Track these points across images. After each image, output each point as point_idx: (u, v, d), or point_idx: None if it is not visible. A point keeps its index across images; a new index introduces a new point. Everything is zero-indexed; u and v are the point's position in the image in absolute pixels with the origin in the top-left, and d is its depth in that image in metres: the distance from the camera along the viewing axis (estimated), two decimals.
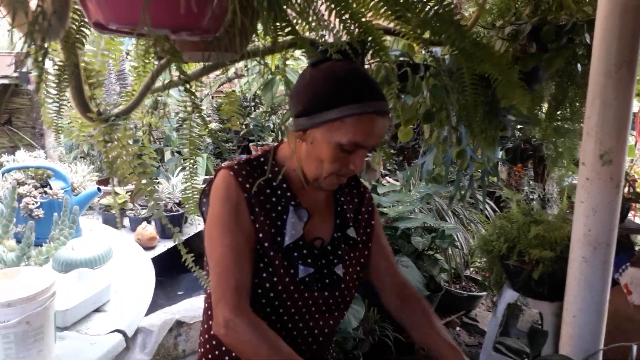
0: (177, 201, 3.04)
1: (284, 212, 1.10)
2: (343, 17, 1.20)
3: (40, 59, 0.67)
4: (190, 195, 1.55)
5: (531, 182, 3.56)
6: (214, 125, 4.43)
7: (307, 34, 1.30)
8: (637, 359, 1.41)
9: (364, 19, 1.25)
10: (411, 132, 1.72)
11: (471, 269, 3.80)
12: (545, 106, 2.06)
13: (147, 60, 1.50)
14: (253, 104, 4.60)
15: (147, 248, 2.69)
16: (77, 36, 0.89)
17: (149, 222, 2.87)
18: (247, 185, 1.07)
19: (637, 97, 2.20)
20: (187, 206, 1.58)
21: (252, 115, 4.49)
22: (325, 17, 1.10)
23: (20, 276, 1.46)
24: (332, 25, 1.12)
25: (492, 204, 3.82)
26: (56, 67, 0.85)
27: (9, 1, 0.67)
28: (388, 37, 1.61)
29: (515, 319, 2.53)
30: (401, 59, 1.57)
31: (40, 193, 2.34)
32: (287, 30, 0.99)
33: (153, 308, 1.99)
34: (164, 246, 2.81)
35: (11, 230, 1.89)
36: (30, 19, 0.64)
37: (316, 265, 1.10)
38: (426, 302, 1.26)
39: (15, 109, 4.10)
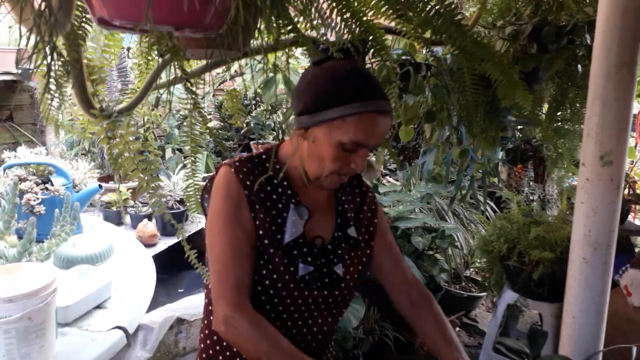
0: (178, 199, 3.04)
1: (285, 210, 1.10)
2: (344, 16, 1.20)
3: (48, 53, 0.68)
4: (191, 193, 1.55)
5: (531, 183, 3.56)
6: (214, 124, 4.43)
7: (308, 32, 1.30)
8: None
9: (365, 18, 1.25)
10: (412, 131, 1.73)
11: (471, 270, 3.81)
12: (545, 107, 2.06)
13: (149, 57, 1.51)
14: (254, 102, 4.60)
15: (148, 245, 2.70)
16: (79, 32, 0.90)
17: (150, 220, 2.87)
18: (248, 183, 1.08)
19: (637, 98, 2.21)
20: (188, 204, 1.59)
21: (253, 114, 4.50)
22: (327, 15, 1.11)
23: (22, 272, 1.46)
24: (334, 23, 1.13)
25: (492, 204, 3.83)
26: (60, 62, 0.86)
27: None
28: (389, 36, 1.62)
29: (515, 320, 2.53)
30: (404, 57, 1.57)
31: (41, 189, 2.34)
32: (289, 28, 1.00)
33: (154, 305, 2.00)
34: (164, 243, 2.81)
35: (13, 226, 1.89)
36: (37, 14, 0.65)
37: (316, 263, 1.11)
38: (437, 304, 1.24)
39: (16, 105, 4.10)
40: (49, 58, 0.74)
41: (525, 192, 3.59)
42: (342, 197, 1.21)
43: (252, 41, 1.18)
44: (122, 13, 0.69)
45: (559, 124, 2.08)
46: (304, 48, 1.21)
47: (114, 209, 3.01)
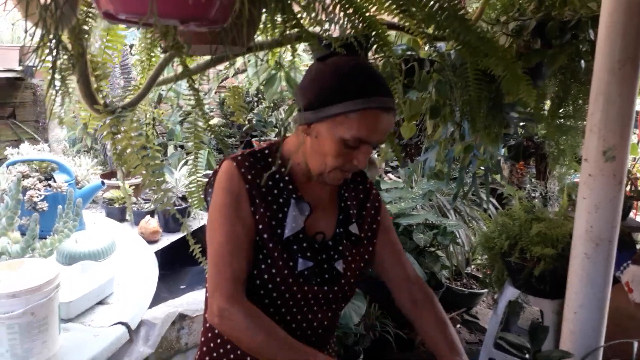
0: (180, 195, 3.04)
1: (286, 205, 1.10)
2: (347, 11, 1.20)
3: (53, 47, 0.68)
4: (194, 189, 1.56)
5: (533, 180, 3.56)
6: (216, 121, 4.43)
7: (312, 28, 1.30)
8: (638, 356, 1.41)
9: (368, 14, 1.25)
10: (414, 128, 1.73)
11: (472, 267, 3.81)
12: (547, 103, 2.06)
13: (152, 54, 1.51)
14: (256, 99, 4.60)
15: (151, 242, 2.70)
16: (84, 26, 0.90)
17: (152, 216, 2.88)
18: (249, 177, 1.08)
19: None
20: (190, 200, 1.60)
21: (255, 111, 4.50)
22: (330, 10, 1.11)
23: (25, 267, 1.47)
24: (337, 17, 1.13)
25: (494, 201, 3.83)
26: (65, 57, 0.86)
27: None
28: (392, 32, 1.62)
29: (516, 317, 2.54)
30: (409, 53, 1.57)
31: (44, 186, 2.34)
32: (293, 22, 1.00)
33: (156, 301, 2.00)
34: (167, 240, 2.81)
35: (16, 222, 1.90)
36: (42, 8, 0.65)
37: (316, 259, 1.11)
38: (439, 304, 1.24)
39: (19, 102, 4.11)
40: (54, 52, 0.74)
41: (527, 188, 3.60)
42: (345, 194, 1.21)
43: (255, 37, 1.18)
44: (128, 7, 0.69)
45: (561, 120, 2.08)
46: (307, 44, 1.21)
47: (117, 205, 3.02)
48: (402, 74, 1.50)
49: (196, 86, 1.02)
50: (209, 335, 1.19)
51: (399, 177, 3.92)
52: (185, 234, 1.57)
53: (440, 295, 3.14)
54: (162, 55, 1.46)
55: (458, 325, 3.33)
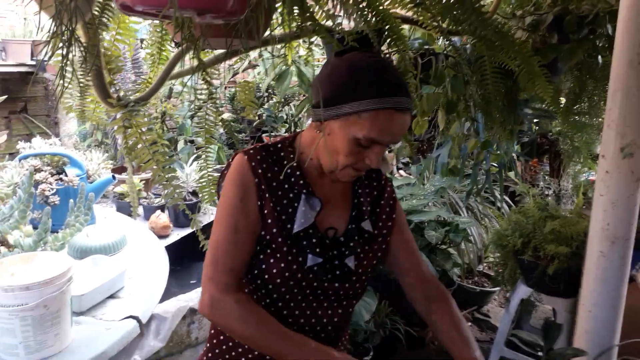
0: (190, 190, 3.04)
1: (296, 200, 1.10)
2: (360, 5, 1.19)
3: (67, 39, 0.67)
4: (205, 184, 1.55)
5: (546, 178, 3.52)
6: (226, 116, 4.43)
7: (325, 22, 1.29)
8: None
9: (381, 7, 1.24)
10: (426, 124, 1.71)
11: (484, 264, 3.79)
12: (562, 100, 2.04)
13: (163, 48, 1.51)
14: (266, 94, 4.59)
15: (161, 236, 2.70)
16: (102, 18, 0.89)
17: (162, 211, 2.88)
18: (260, 171, 1.07)
19: None
20: (201, 195, 1.59)
21: (265, 106, 4.49)
22: (343, 3, 1.09)
23: (38, 261, 1.48)
24: (350, 11, 1.12)
25: (507, 198, 3.80)
26: (81, 49, 0.85)
27: None
28: (405, 26, 1.60)
29: (528, 315, 2.52)
30: (426, 47, 1.55)
31: (56, 180, 2.35)
32: (306, 16, 0.99)
33: (166, 296, 2.00)
34: (177, 235, 2.81)
35: (28, 216, 1.91)
36: (58, 1, 0.64)
37: (326, 255, 1.10)
38: (454, 302, 1.23)
39: (30, 97, 4.14)
40: (67, 45, 0.74)
41: (541, 186, 3.56)
42: (359, 190, 1.19)
43: (268, 32, 1.17)
44: None
45: (577, 117, 2.06)
46: (320, 38, 1.20)
47: (127, 199, 3.02)
48: (418, 68, 1.48)
49: (209, 79, 1.01)
50: (218, 328, 1.19)
51: (410, 174, 3.90)
52: (194, 229, 1.57)
53: (452, 293, 3.12)
54: (175, 49, 1.46)
55: (469, 324, 3.32)
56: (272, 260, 1.07)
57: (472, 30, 1.24)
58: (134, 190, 2.00)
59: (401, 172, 4.05)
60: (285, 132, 4.41)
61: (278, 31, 1.17)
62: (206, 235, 1.36)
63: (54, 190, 2.29)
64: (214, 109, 1.34)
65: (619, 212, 1.53)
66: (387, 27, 1.31)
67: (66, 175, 2.38)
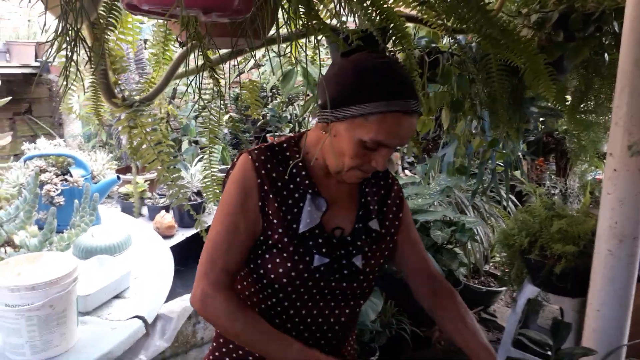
0: (195, 190, 3.04)
1: (301, 200, 1.09)
2: (365, 4, 1.18)
3: (71, 40, 0.67)
4: (209, 184, 1.55)
5: (553, 177, 3.51)
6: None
7: (329, 20, 1.28)
8: None
9: (385, 5, 1.23)
10: (431, 123, 1.70)
11: (490, 264, 3.77)
12: (569, 98, 2.02)
13: (166, 48, 1.50)
14: (270, 94, 4.59)
15: (166, 237, 2.71)
16: (110, 19, 0.89)
17: (167, 211, 2.88)
18: (263, 171, 1.07)
19: None
20: (205, 195, 1.59)
21: (270, 106, 4.49)
22: (347, 2, 1.09)
23: (44, 261, 1.48)
24: (354, 9, 1.11)
25: (513, 198, 3.78)
26: (85, 49, 0.85)
27: None
28: (410, 24, 1.59)
29: (535, 315, 2.50)
30: (433, 45, 1.54)
31: (61, 180, 2.36)
32: (311, 14, 0.98)
33: (171, 296, 2.00)
34: (182, 235, 2.82)
35: (34, 216, 1.91)
36: (64, 1, 0.64)
37: (333, 255, 1.09)
38: (460, 297, 1.23)
39: (34, 98, 4.15)
40: (73, 45, 0.74)
41: (547, 185, 3.55)
42: (366, 189, 1.19)
43: (274, 31, 1.17)
44: None
45: (583, 115, 2.04)
46: (324, 37, 1.20)
47: (132, 200, 3.03)
48: (425, 67, 1.48)
49: (217, 77, 1.01)
50: None
51: (415, 174, 3.89)
52: (199, 230, 1.57)
53: (458, 293, 3.10)
54: (179, 49, 1.46)
55: None
56: (278, 260, 1.07)
57: (478, 29, 1.24)
58: (136, 190, 2.00)
59: (406, 171, 4.05)
60: (289, 132, 4.41)
61: (283, 30, 1.16)
62: None
63: (59, 190, 2.29)
64: (219, 108, 1.34)
65: (627, 210, 1.52)
66: (391, 25, 1.30)
67: (71, 176, 2.39)
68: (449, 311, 1.20)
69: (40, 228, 1.87)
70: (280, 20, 1.12)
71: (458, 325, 1.18)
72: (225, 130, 4.25)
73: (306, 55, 0.94)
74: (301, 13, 0.87)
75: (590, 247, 1.73)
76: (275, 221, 1.07)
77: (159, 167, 1.30)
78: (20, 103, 4.03)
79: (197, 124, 3.95)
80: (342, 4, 1.05)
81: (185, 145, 3.93)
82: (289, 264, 1.06)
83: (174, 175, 1.33)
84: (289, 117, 4.48)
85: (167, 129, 3.75)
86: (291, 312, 1.10)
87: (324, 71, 1.10)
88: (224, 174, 1.18)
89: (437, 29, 1.42)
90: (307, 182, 1.10)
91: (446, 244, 2.93)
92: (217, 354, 1.20)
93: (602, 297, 1.61)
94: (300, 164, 1.10)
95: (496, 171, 1.89)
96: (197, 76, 0.85)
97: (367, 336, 2.56)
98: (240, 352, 1.16)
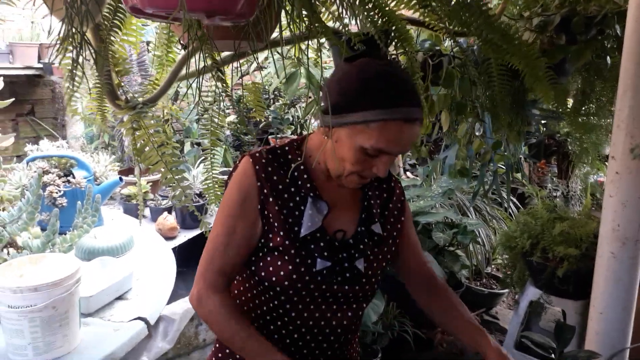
0: (197, 192, 3.05)
1: (303, 203, 1.09)
2: (366, 6, 1.19)
3: (77, 43, 0.68)
4: (210, 185, 1.56)
5: (554, 179, 3.51)
6: (232, 118, 4.44)
7: (330, 23, 1.29)
8: None
9: (387, 8, 1.23)
10: (429, 126, 1.70)
11: (492, 266, 3.77)
12: (570, 101, 2.03)
13: (169, 49, 1.51)
14: (272, 96, 4.59)
15: (168, 238, 2.71)
16: (114, 20, 0.89)
17: (169, 213, 2.89)
18: (263, 175, 1.07)
19: None
20: (207, 196, 1.60)
21: (272, 108, 4.49)
22: (350, 5, 1.09)
23: (46, 262, 1.48)
24: (356, 12, 1.11)
25: (515, 200, 3.78)
26: (89, 52, 0.86)
27: None
28: (412, 27, 1.60)
29: (537, 317, 2.50)
30: (436, 48, 1.55)
31: (63, 182, 2.36)
32: (314, 17, 0.99)
33: (173, 298, 2.00)
34: (184, 236, 2.82)
35: (36, 217, 1.91)
36: (69, 3, 0.64)
37: (335, 258, 1.09)
38: (452, 290, 1.27)
39: (37, 99, 4.16)
40: (78, 48, 0.74)
41: (549, 188, 3.54)
42: (369, 192, 1.18)
43: (276, 33, 1.17)
44: (156, 1, 0.69)
45: (584, 118, 2.04)
46: (327, 39, 1.20)
47: (134, 201, 3.03)
48: (429, 70, 1.48)
49: (223, 77, 1.01)
50: None
51: (417, 176, 3.89)
52: (203, 230, 1.57)
53: (460, 295, 3.10)
54: (182, 51, 1.46)
55: None
56: (279, 263, 1.07)
57: (479, 33, 1.24)
58: (141, 192, 2.00)
59: (408, 173, 4.04)
60: (291, 134, 4.41)
61: (285, 33, 1.17)
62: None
63: (62, 192, 2.30)
64: (221, 111, 1.35)
65: (629, 213, 1.52)
66: (393, 28, 1.30)
67: (74, 177, 2.39)
68: (441, 303, 1.24)
69: (43, 229, 1.88)
70: (283, 23, 1.13)
71: (453, 314, 1.22)
72: (227, 132, 4.25)
73: (307, 58, 0.95)
74: (304, 16, 0.87)
75: (592, 250, 1.73)
76: (276, 224, 1.07)
77: (163, 169, 1.31)
78: (23, 104, 4.04)
79: (199, 126, 3.95)
80: (345, 7, 1.05)
81: (187, 147, 3.94)
82: (290, 267, 1.06)
83: (178, 177, 1.33)
84: (290, 119, 4.49)
85: (171, 130, 3.75)
86: (292, 315, 1.10)
87: (326, 74, 1.10)
88: (226, 176, 1.18)
89: (439, 32, 1.42)
90: (308, 185, 1.10)
91: (448, 246, 2.93)
92: (219, 355, 1.20)
93: (605, 300, 1.61)
94: (301, 167, 1.10)
95: (497, 173, 1.89)
96: (198, 79, 0.85)
97: (369, 338, 2.56)
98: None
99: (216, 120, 1.42)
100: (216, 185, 1.56)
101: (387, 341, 2.64)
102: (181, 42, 1.45)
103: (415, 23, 1.52)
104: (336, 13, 1.13)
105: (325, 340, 1.14)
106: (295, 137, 1.22)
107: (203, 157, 3.38)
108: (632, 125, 1.47)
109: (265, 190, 1.07)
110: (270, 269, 1.07)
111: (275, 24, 0.99)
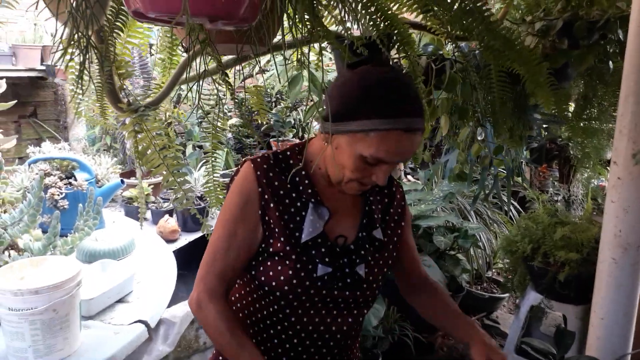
0: (198, 195, 3.05)
1: (304, 209, 1.09)
2: (369, 10, 1.19)
3: (82, 46, 0.68)
4: (211, 188, 1.56)
5: (556, 183, 3.50)
6: (234, 121, 4.44)
7: (333, 27, 1.29)
8: None
9: (389, 12, 1.23)
10: (428, 129, 1.70)
11: (493, 270, 3.76)
12: (572, 105, 2.03)
13: (173, 53, 1.51)
14: (274, 99, 4.59)
15: (169, 241, 2.71)
16: (116, 24, 0.90)
17: (171, 215, 2.89)
18: (264, 180, 1.07)
19: None
20: (208, 199, 1.60)
21: (273, 111, 4.49)
22: (352, 8, 1.09)
23: (47, 265, 1.48)
24: (359, 16, 1.11)
25: (516, 204, 3.78)
26: (96, 55, 0.86)
27: None
28: (414, 31, 1.60)
29: (538, 322, 2.49)
30: (439, 52, 1.55)
31: (65, 184, 2.36)
32: (316, 21, 0.99)
33: (174, 301, 2.00)
34: (185, 239, 2.82)
35: (38, 220, 1.91)
36: (74, 7, 0.65)
37: (336, 264, 1.09)
38: (442, 287, 1.32)
39: (40, 101, 4.17)
40: (83, 51, 0.74)
41: (550, 192, 3.54)
42: (370, 197, 1.18)
43: (281, 37, 1.17)
44: (158, 5, 0.69)
45: (586, 122, 2.04)
46: (329, 43, 1.20)
47: (136, 204, 3.03)
48: (432, 74, 1.48)
49: (228, 79, 1.01)
50: None
51: (418, 180, 3.89)
52: (204, 233, 1.57)
53: (460, 299, 3.10)
54: (184, 54, 1.46)
55: None
56: (279, 268, 1.07)
57: (481, 39, 1.24)
58: (143, 195, 2.00)
59: (409, 176, 4.04)
60: (292, 137, 4.41)
61: (288, 37, 1.17)
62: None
63: (63, 194, 2.30)
64: (223, 114, 1.35)
65: (631, 219, 1.51)
66: (395, 32, 1.30)
67: (75, 180, 2.39)
68: (431, 299, 1.28)
69: (44, 232, 1.88)
70: (285, 26, 1.13)
71: (443, 309, 1.25)
72: (229, 135, 4.25)
73: (308, 61, 0.95)
74: (306, 20, 0.87)
75: (593, 255, 1.73)
76: (276, 229, 1.07)
77: (165, 172, 1.31)
78: (26, 106, 4.04)
79: (200, 129, 3.96)
80: (347, 10, 1.06)
81: (189, 149, 3.94)
82: (290, 272, 1.06)
83: (180, 180, 1.33)
84: (292, 122, 4.49)
85: (172, 132, 3.76)
86: (292, 320, 1.10)
87: (328, 77, 1.10)
88: (228, 179, 1.18)
89: (440, 36, 1.42)
90: (309, 190, 1.10)
91: (449, 250, 2.93)
92: (220, 358, 1.20)
93: (607, 306, 1.61)
94: (302, 172, 1.10)
95: (498, 177, 1.89)
96: (198, 82, 0.86)
97: (369, 342, 2.56)
98: None
99: (218, 123, 1.42)
100: (218, 189, 1.55)
101: (388, 345, 2.64)
102: (183, 45, 1.45)
103: (418, 27, 1.52)
104: (338, 17, 1.13)
105: (325, 345, 1.14)
106: (297, 141, 1.22)
107: (205, 160, 3.38)
108: (635, 130, 1.46)
109: (266, 196, 1.07)
110: (271, 273, 1.07)
111: (278, 27, 0.99)
